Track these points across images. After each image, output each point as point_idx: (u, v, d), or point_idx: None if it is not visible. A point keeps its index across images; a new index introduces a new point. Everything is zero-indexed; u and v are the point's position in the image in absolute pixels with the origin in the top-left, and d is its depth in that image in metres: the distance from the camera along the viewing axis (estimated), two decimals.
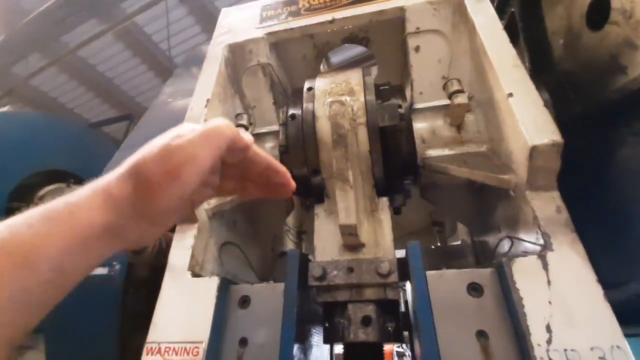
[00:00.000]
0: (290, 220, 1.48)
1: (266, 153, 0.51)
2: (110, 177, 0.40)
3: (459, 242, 1.41)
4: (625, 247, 0.73)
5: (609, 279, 0.75)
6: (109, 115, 7.00)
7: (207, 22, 6.10)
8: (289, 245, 1.46)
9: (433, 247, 1.41)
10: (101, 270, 0.93)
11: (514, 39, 1.10)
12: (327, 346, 0.91)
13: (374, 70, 1.35)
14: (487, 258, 0.97)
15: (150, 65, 7.03)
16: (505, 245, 0.79)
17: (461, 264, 1.21)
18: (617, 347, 0.50)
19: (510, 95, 0.70)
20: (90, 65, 6.90)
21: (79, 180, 1.81)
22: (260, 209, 1.14)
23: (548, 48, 0.96)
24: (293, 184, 0.53)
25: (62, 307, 0.98)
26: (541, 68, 0.97)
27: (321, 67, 1.36)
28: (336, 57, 6.09)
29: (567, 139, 0.81)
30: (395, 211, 0.96)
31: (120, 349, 0.85)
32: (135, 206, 0.39)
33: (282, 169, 0.51)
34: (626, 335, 0.81)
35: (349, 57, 5.97)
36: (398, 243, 0.81)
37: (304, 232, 1.53)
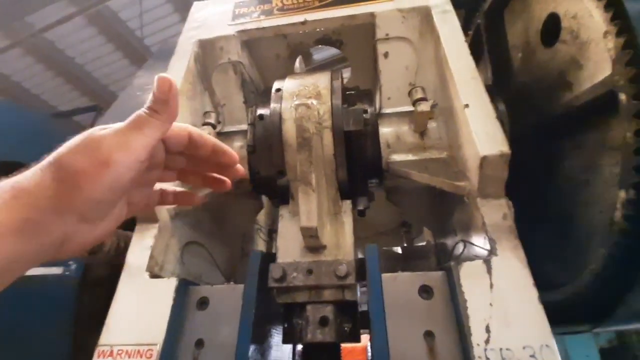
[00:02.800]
0: (262, 218, 1.48)
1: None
2: (24, 172, 0.37)
3: (424, 243, 1.46)
4: (565, 251, 0.79)
5: (553, 281, 0.80)
6: (79, 104, 6.68)
7: (186, 11, 5.91)
8: (260, 244, 1.46)
9: (400, 247, 1.45)
10: (55, 270, 0.90)
11: (480, 51, 1.15)
12: (289, 346, 0.92)
13: (349, 72, 1.37)
14: (446, 260, 1.01)
15: (125, 53, 6.74)
16: (460, 248, 0.83)
17: (424, 265, 1.25)
18: (546, 345, 0.54)
19: (467, 106, 0.74)
20: (58, 49, 6.51)
21: None
22: (228, 209, 1.13)
23: (508, 61, 1.01)
24: (242, 169, 0.54)
25: (11, 308, 0.93)
26: (501, 79, 1.01)
27: (300, 65, 1.36)
28: (319, 54, 6.08)
29: (520, 149, 0.85)
30: (360, 213, 0.98)
31: (74, 351, 0.82)
32: (56, 199, 0.36)
33: (229, 149, 0.51)
34: (565, 333, 0.87)
35: (331, 54, 5.97)
36: (367, 243, 0.83)
37: (275, 231, 1.53)
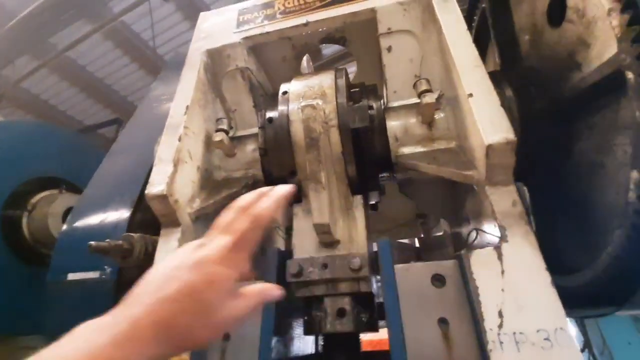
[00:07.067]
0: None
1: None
2: (138, 327, 0.38)
3: (441, 233, 1.46)
4: (584, 235, 0.78)
5: (573, 265, 0.80)
6: (103, 117, 6.99)
7: (195, 18, 6.03)
8: (279, 242, 1.50)
9: (416, 239, 1.46)
10: (92, 275, 0.98)
11: (487, 36, 1.13)
12: (310, 337, 0.96)
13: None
14: (461, 249, 1.01)
15: (141, 64, 6.99)
16: (473, 237, 0.84)
17: (441, 255, 1.26)
18: (561, 328, 0.55)
19: (470, 95, 0.74)
20: (79, 65, 6.84)
21: (71, 186, 1.85)
22: None
23: (516, 44, 0.99)
24: None
25: (58, 311, 1.01)
26: (509, 64, 1.00)
27: (307, 64, 1.38)
28: (328, 49, 6.04)
29: (532, 134, 0.85)
30: (373, 207, 1.00)
31: None
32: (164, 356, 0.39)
33: None
34: (587, 317, 0.86)
35: (340, 49, 5.92)
36: (387, 236, 0.85)
37: (292, 229, 1.57)
